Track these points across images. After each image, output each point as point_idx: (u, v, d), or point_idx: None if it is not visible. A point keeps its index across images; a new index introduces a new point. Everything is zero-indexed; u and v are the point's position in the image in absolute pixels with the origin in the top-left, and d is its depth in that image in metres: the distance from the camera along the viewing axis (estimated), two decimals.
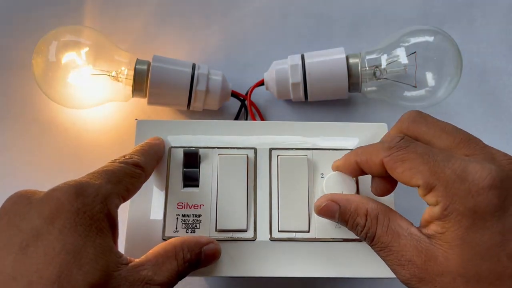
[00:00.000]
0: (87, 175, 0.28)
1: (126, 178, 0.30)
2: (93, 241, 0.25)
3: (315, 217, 0.34)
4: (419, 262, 0.27)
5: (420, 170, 0.28)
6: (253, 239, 0.34)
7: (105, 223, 0.26)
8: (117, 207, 0.28)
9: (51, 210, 0.25)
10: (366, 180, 0.35)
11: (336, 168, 0.34)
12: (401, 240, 0.28)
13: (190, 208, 0.35)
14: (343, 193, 0.33)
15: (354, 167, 0.32)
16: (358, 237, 0.34)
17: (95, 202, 0.26)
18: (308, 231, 0.34)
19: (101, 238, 0.25)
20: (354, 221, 0.30)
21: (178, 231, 0.34)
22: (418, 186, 0.28)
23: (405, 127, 0.31)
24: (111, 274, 0.25)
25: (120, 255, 0.27)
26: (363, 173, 0.32)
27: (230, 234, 0.34)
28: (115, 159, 0.31)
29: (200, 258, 0.31)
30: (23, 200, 0.26)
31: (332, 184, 0.34)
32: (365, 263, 0.33)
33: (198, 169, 0.36)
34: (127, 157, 0.32)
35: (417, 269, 0.27)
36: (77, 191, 0.26)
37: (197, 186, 0.35)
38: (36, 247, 0.24)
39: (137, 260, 0.28)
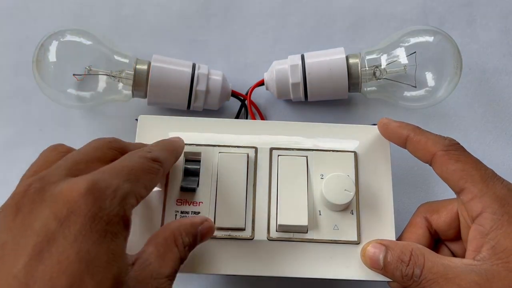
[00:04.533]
0: (105, 170, 0.27)
1: (145, 175, 0.28)
2: (106, 247, 0.24)
3: (313, 218, 0.34)
4: (482, 282, 0.28)
5: (472, 174, 0.30)
6: (251, 238, 0.34)
7: (120, 226, 0.25)
8: (133, 207, 0.27)
9: (67, 213, 0.24)
10: (366, 182, 0.36)
11: (385, 124, 0.35)
12: (455, 269, 0.29)
13: (189, 205, 0.35)
14: (342, 192, 0.33)
15: (401, 138, 0.34)
16: (355, 240, 0.34)
17: (112, 205, 0.25)
18: (306, 232, 0.34)
19: (115, 243, 0.24)
20: (398, 258, 0.31)
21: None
22: (462, 190, 0.30)
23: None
24: (122, 280, 0.25)
25: (127, 257, 0.26)
26: (403, 145, 0.34)
27: (228, 233, 0.34)
28: (134, 151, 0.29)
29: (197, 239, 0.31)
30: (37, 192, 0.25)
31: (331, 185, 0.34)
32: (362, 265, 0.33)
33: (198, 167, 0.36)
34: (146, 150, 0.30)
35: None
36: (95, 194, 0.24)
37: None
38: (50, 253, 0.23)
39: (139, 253, 0.28)
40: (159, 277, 0.27)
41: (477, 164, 0.31)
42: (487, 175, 0.30)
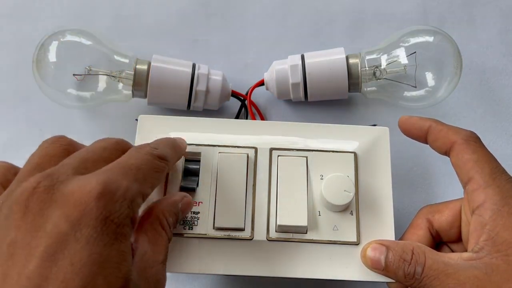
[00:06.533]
0: (113, 169, 0.26)
1: (152, 173, 0.28)
2: (116, 249, 0.24)
3: (313, 219, 0.34)
4: (481, 276, 0.28)
5: (483, 166, 0.31)
6: (250, 238, 0.34)
7: (129, 227, 0.25)
8: (139, 207, 0.27)
9: (78, 216, 0.24)
10: (366, 183, 0.36)
11: (406, 119, 0.35)
12: (455, 265, 0.29)
13: None
14: (342, 192, 0.33)
15: (422, 129, 0.34)
16: (354, 241, 0.34)
17: (122, 208, 0.25)
18: (306, 233, 0.34)
19: (123, 243, 0.25)
20: (400, 257, 0.31)
21: (175, 228, 0.34)
22: (470, 180, 0.31)
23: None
24: (130, 278, 0.25)
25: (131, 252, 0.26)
26: (423, 138, 0.35)
27: (227, 233, 0.34)
28: (140, 147, 0.29)
29: (178, 216, 0.31)
30: (46, 191, 0.24)
31: (331, 186, 0.34)
32: (361, 266, 0.33)
33: (198, 167, 0.36)
34: (152, 146, 0.30)
35: (480, 283, 0.28)
36: (106, 197, 0.24)
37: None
38: (63, 255, 0.23)
39: (133, 242, 0.28)
40: (156, 264, 0.27)
41: (491, 159, 0.32)
42: (497, 170, 0.31)
